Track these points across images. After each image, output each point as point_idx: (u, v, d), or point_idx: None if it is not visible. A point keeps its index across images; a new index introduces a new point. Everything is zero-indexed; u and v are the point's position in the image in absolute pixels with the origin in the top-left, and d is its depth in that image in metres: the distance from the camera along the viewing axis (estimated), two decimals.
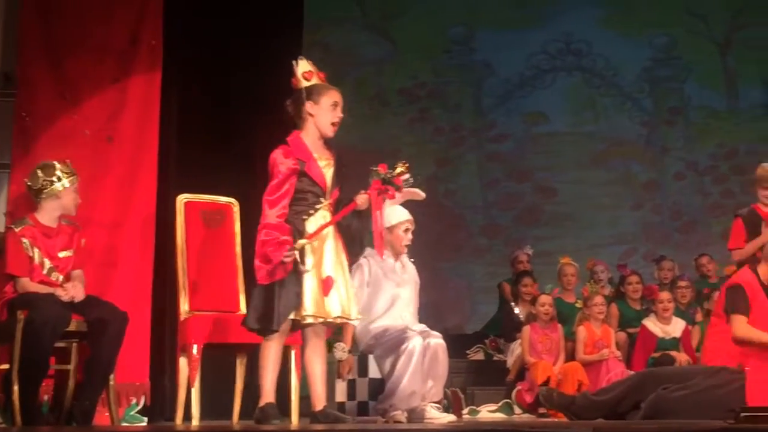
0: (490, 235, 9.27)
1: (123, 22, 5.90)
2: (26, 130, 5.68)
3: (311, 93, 4.26)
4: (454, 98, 9.48)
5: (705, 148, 9.59)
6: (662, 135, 9.65)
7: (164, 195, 5.70)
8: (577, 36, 9.65)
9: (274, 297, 4.02)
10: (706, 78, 9.69)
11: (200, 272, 4.93)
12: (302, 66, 4.32)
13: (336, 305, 4.13)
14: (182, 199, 5.09)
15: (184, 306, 4.88)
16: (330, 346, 5.32)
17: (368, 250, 4.95)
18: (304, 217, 4.14)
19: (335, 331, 5.40)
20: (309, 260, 4.08)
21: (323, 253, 4.15)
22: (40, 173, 4.84)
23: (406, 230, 4.99)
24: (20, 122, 5.69)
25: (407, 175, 4.32)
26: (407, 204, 5.04)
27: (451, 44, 9.52)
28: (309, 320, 4.08)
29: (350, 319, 4.25)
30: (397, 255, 5.00)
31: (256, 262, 4.08)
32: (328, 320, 4.14)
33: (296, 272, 4.03)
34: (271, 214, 4.09)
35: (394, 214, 4.98)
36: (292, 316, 4.05)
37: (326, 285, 4.10)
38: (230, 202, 5.15)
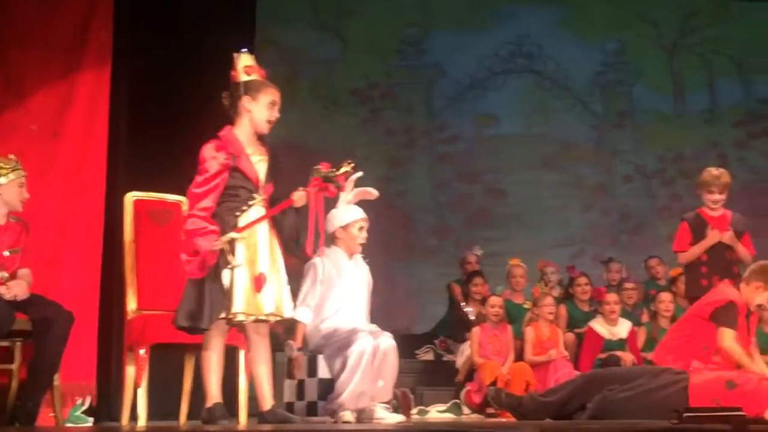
0: (441, 236, 9.30)
1: (72, 16, 5.82)
2: None
3: (249, 88, 4.20)
4: (405, 99, 9.49)
5: (653, 151, 9.71)
6: (611, 138, 9.74)
7: (113, 192, 5.64)
8: (528, 39, 9.70)
9: (203, 294, 3.97)
10: (654, 82, 9.82)
11: (148, 271, 4.88)
12: (244, 60, 4.27)
13: (269, 302, 4.07)
14: (131, 197, 5.04)
15: (131, 305, 4.83)
16: (281, 345, 5.31)
17: (321, 249, 4.95)
18: (237, 213, 4.08)
19: (285, 330, 5.39)
20: (240, 256, 4.02)
21: (257, 249, 4.09)
22: None
23: (361, 228, 4.99)
24: None
25: (353, 175, 4.31)
26: (359, 204, 5.05)
27: (403, 45, 9.52)
28: (240, 318, 4.04)
29: (283, 316, 4.22)
30: (351, 254, 5.00)
31: (183, 256, 4.01)
32: (261, 317, 4.11)
33: (226, 269, 3.98)
34: (199, 205, 4.02)
35: (349, 213, 4.98)
36: (223, 315, 4.01)
37: (258, 282, 4.05)
38: (179, 201, 5.10)
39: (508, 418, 5.65)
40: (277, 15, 9.00)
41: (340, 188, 4.30)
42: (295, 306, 4.73)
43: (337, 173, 4.27)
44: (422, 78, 9.56)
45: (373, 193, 5.06)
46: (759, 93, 9.90)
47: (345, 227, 4.96)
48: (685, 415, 3.75)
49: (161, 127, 6.23)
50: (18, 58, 5.68)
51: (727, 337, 5.10)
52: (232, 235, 4.00)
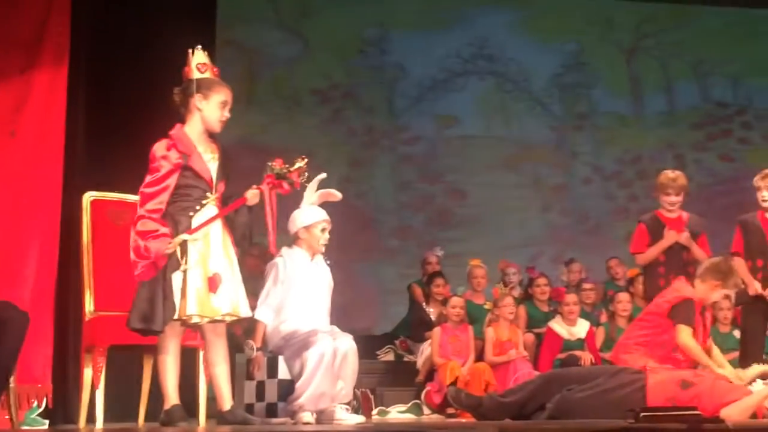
0: (402, 236, 9.31)
1: (30, 15, 5.74)
2: None
3: (201, 86, 4.16)
4: (367, 100, 9.48)
5: (611, 153, 9.80)
6: (571, 140, 9.82)
7: (70, 192, 5.57)
8: (489, 41, 9.74)
9: (156, 296, 3.94)
10: (612, 84, 9.91)
11: (106, 272, 4.84)
12: (198, 57, 4.23)
13: (224, 302, 4.05)
14: (89, 197, 4.99)
15: (89, 306, 4.79)
16: (241, 346, 5.29)
17: (284, 249, 4.95)
18: (191, 213, 4.05)
19: (245, 331, 5.37)
20: (193, 257, 3.99)
21: (210, 250, 4.06)
22: None
23: (323, 230, 4.97)
24: None
25: (306, 170, 4.29)
26: (322, 205, 5.04)
27: (364, 45, 9.51)
28: (195, 320, 4.02)
29: (240, 316, 4.20)
30: (313, 254, 4.99)
31: (132, 257, 3.97)
32: (216, 318, 4.08)
33: (178, 270, 3.96)
34: (148, 206, 3.99)
35: (311, 214, 4.97)
36: (176, 316, 3.98)
37: (213, 282, 4.02)
38: (138, 201, 5.06)
39: (467, 419, 5.68)
40: (238, 14, 8.95)
41: (293, 185, 4.28)
42: (256, 306, 4.73)
43: (291, 169, 4.25)
44: (384, 78, 9.56)
45: (336, 194, 5.06)
46: (716, 95, 10.04)
47: (307, 228, 4.95)
48: (642, 414, 3.79)
49: (119, 126, 6.17)
50: None
51: (684, 334, 5.17)
52: (184, 237, 3.97)
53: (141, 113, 6.09)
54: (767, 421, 4.72)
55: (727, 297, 5.32)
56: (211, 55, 4.36)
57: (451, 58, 9.68)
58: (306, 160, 4.33)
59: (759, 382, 4.94)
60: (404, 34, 9.56)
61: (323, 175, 5.05)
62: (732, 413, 4.64)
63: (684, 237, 5.70)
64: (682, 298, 5.29)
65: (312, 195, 5.01)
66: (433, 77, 9.62)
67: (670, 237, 5.68)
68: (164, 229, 3.95)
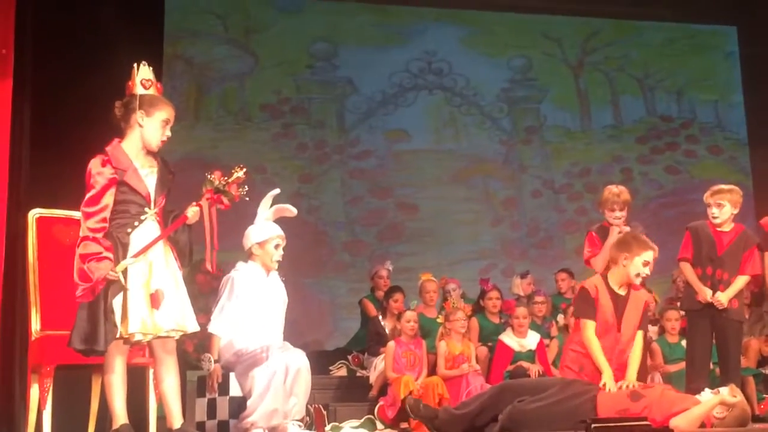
0: (353, 251, 9.29)
1: None
2: None
3: (144, 102, 4.10)
4: (317, 114, 9.47)
5: (560, 166, 9.88)
6: (520, 153, 9.88)
7: (15, 209, 5.49)
8: (438, 55, 9.79)
9: (97, 316, 3.90)
10: (560, 99, 10.00)
11: (53, 290, 4.76)
12: (143, 72, 4.17)
13: (168, 318, 4.02)
14: (34, 214, 4.92)
15: (35, 325, 4.71)
16: (191, 364, 5.23)
17: (240, 264, 4.92)
18: (129, 229, 4.01)
19: (196, 348, 5.31)
20: (133, 276, 3.96)
21: (152, 267, 4.03)
22: None
23: (277, 246, 4.95)
24: None
25: (244, 181, 4.27)
26: (276, 220, 5.02)
27: (313, 60, 9.50)
28: (138, 337, 3.97)
29: (187, 331, 4.16)
30: (268, 270, 4.96)
31: (75, 278, 3.93)
32: (161, 335, 4.04)
33: (120, 289, 3.92)
34: (90, 226, 3.95)
35: (266, 230, 4.95)
36: (118, 335, 3.94)
37: (155, 299, 3.98)
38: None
39: None
40: (186, 29, 8.90)
41: (233, 200, 4.25)
42: (203, 320, 4.68)
43: (229, 181, 4.22)
44: (334, 93, 9.55)
45: (291, 210, 5.04)
46: (661, 110, 10.19)
47: (261, 244, 4.93)
48: (593, 426, 3.81)
49: (65, 142, 6.09)
50: None
51: (585, 329, 5.14)
52: (127, 262, 3.93)
53: (87, 128, 6.00)
54: (718, 431, 4.77)
55: (646, 263, 5.26)
56: (159, 70, 4.31)
57: (400, 72, 9.71)
58: (244, 169, 4.30)
59: (707, 391, 4.99)
60: (353, 49, 9.57)
61: (276, 191, 5.03)
62: (680, 423, 4.68)
63: (626, 230, 5.75)
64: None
65: (266, 210, 4.99)
66: (382, 92, 9.64)
67: (614, 232, 5.70)
68: (106, 253, 3.90)
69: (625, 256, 5.26)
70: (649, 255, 5.26)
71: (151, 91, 4.16)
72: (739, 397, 4.92)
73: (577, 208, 9.70)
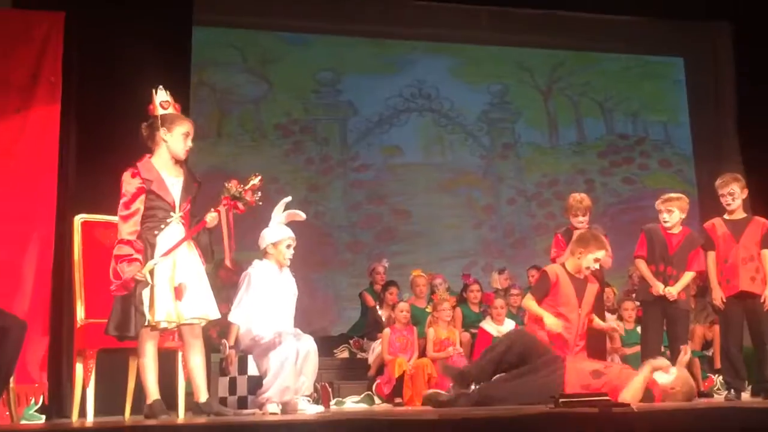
0: (354, 250, 9.29)
1: (24, 59, 5.66)
2: None
3: (165, 121, 4.14)
4: (322, 133, 9.47)
5: (532, 177, 9.87)
6: (497, 166, 9.88)
7: (62, 215, 5.48)
8: (427, 82, 9.79)
9: (129, 308, 3.95)
10: (532, 120, 10.01)
11: (95, 284, 4.76)
12: (161, 95, 4.21)
13: (190, 308, 4.04)
14: (79, 218, 4.93)
15: (80, 315, 4.72)
16: (216, 347, 5.23)
17: (256, 262, 4.92)
18: (156, 231, 4.04)
19: (219, 333, 5.31)
20: (160, 272, 3.98)
21: (176, 264, 4.05)
22: None
23: (288, 246, 4.95)
24: None
25: (260, 187, 4.29)
26: (288, 224, 5.02)
27: (319, 86, 9.51)
28: (163, 325, 3.99)
29: (209, 318, 4.17)
30: (280, 267, 4.96)
31: (111, 275, 3.96)
32: (184, 322, 4.06)
33: (147, 284, 3.96)
34: (124, 230, 3.99)
35: (279, 232, 4.96)
36: (146, 323, 3.97)
37: (178, 291, 4.02)
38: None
39: (414, 407, 5.67)
40: (210, 59, 8.89)
41: (248, 204, 4.27)
42: (225, 309, 4.70)
43: (245, 188, 4.24)
44: (337, 115, 9.56)
45: (301, 215, 5.05)
46: (619, 129, 10.21)
47: (275, 244, 4.93)
48: (561, 400, 3.82)
49: (106, 157, 6.05)
50: None
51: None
52: (153, 263, 3.95)
53: (124, 144, 6.01)
54: (668, 404, 4.78)
55: (597, 260, 5.32)
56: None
57: (395, 97, 9.71)
58: (260, 176, 4.32)
59: (647, 366, 4.98)
60: (354, 77, 9.57)
61: (288, 198, 5.04)
62: (626, 396, 4.69)
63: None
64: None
65: (279, 215, 5.00)
66: (379, 114, 9.64)
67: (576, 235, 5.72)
68: (136, 255, 3.92)
69: (580, 251, 5.32)
70: (601, 254, 5.34)
71: (170, 111, 4.17)
72: (677, 370, 4.96)
73: (546, 214, 9.70)
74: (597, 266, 5.34)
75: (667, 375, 4.96)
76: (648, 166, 10.09)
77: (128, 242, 3.95)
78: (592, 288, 5.42)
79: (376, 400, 6.49)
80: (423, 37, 9.63)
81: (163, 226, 4.06)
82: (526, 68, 10.02)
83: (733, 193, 5.51)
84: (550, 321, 5.17)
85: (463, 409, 4.74)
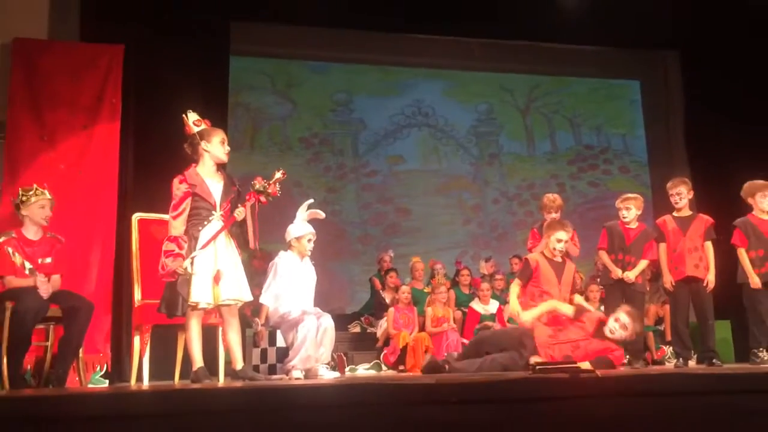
0: (365, 242, 9.30)
1: (90, 84, 5.70)
2: (14, 164, 5.40)
3: (203, 135, 4.16)
4: (338, 145, 9.48)
5: (513, 182, 9.87)
6: (484, 173, 9.87)
7: (123, 213, 5.51)
8: (425, 102, 9.79)
9: (175, 291, 3.98)
10: (513, 133, 10.00)
11: (149, 271, 4.77)
12: (192, 116, 4.23)
13: (226, 291, 4.05)
14: (136, 216, 4.95)
15: (137, 296, 4.74)
16: (250, 323, 5.24)
17: (282, 253, 4.93)
18: (200, 228, 4.06)
19: (252, 312, 5.32)
20: (201, 260, 4.00)
21: (216, 253, 4.07)
22: (20, 192, 4.60)
23: (309, 240, 4.96)
24: (9, 158, 5.41)
25: (282, 180, 4.30)
26: (310, 221, 5.03)
27: (335, 106, 9.52)
28: (203, 305, 4.02)
29: (243, 300, 4.19)
30: (302, 257, 4.98)
31: (159, 266, 4.01)
32: (220, 303, 4.08)
33: (190, 273, 3.98)
34: (174, 228, 4.02)
35: (301, 228, 4.96)
36: (190, 304, 3.99)
37: (216, 277, 4.04)
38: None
39: (416, 373, 5.67)
40: (244, 84, 8.91)
41: (269, 196, 4.28)
42: (258, 292, 4.71)
43: (270, 182, 4.26)
44: (350, 129, 9.56)
45: (321, 214, 5.05)
46: (585, 141, 10.18)
47: (298, 238, 4.94)
48: (538, 367, 3.82)
49: (159, 165, 6.09)
50: (51, 117, 5.55)
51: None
52: (194, 254, 3.98)
53: (174, 155, 6.04)
54: (629, 370, 4.77)
55: (559, 240, 5.30)
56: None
57: (398, 115, 9.71)
58: (282, 170, 4.34)
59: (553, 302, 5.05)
60: (364, 98, 9.57)
61: (311, 201, 5.05)
62: (526, 318, 4.82)
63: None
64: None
65: (303, 213, 5.01)
66: (385, 128, 9.64)
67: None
68: (179, 251, 3.94)
69: (548, 234, 5.34)
70: (561, 234, 5.31)
71: (203, 126, 4.20)
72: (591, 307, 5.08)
73: (525, 212, 9.68)
74: (561, 246, 5.30)
75: (617, 328, 4.93)
76: (610, 172, 10.07)
77: (175, 239, 3.97)
78: (570, 267, 5.39)
79: (383, 367, 6.51)
80: (422, 64, 9.63)
81: (206, 223, 4.08)
82: (508, 90, 10.01)
83: (681, 193, 5.50)
84: (525, 317, 5.10)
85: (455, 375, 4.75)
